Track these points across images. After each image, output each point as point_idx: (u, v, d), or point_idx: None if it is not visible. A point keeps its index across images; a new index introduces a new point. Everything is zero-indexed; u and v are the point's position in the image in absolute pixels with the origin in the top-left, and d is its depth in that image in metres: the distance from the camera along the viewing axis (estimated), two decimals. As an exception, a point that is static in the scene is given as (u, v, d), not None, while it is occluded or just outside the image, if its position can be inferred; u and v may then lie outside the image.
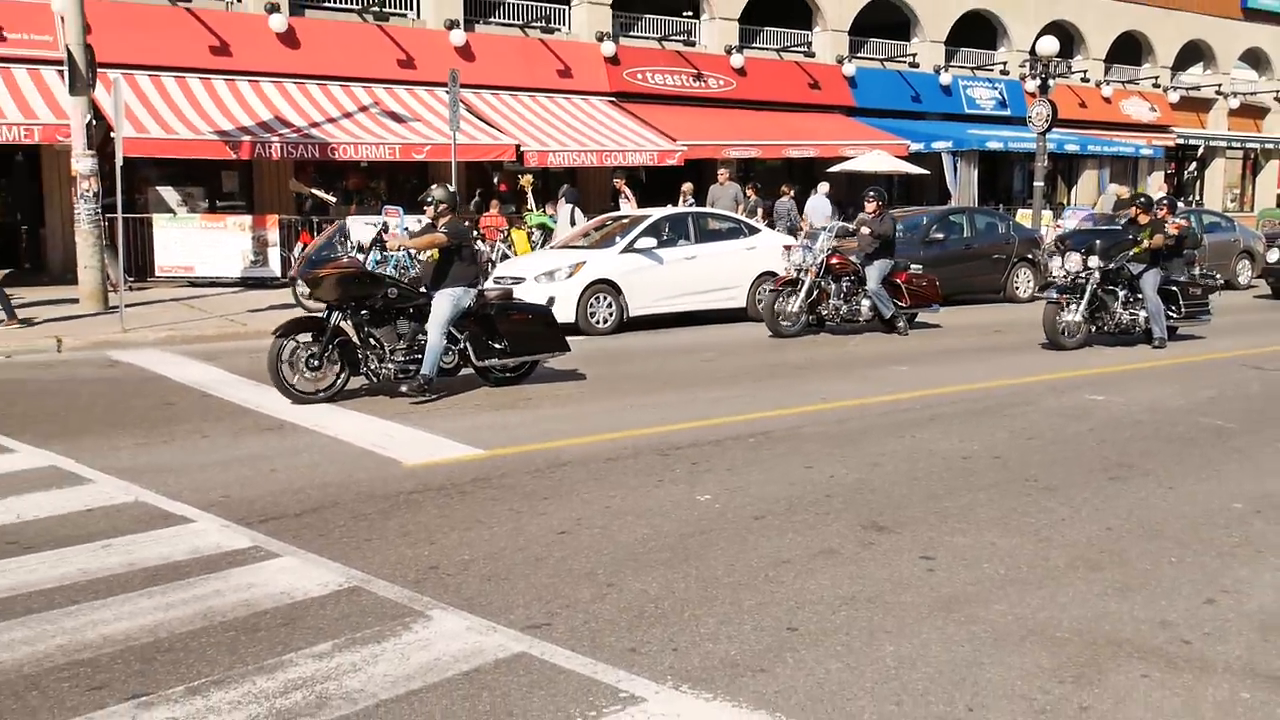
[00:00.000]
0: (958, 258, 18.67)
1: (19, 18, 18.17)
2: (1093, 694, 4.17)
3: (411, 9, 22.42)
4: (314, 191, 19.45)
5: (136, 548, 5.71)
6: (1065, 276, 13.17)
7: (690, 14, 26.26)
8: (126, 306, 14.01)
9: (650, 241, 15.19)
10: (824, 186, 22.60)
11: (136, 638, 4.58)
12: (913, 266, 15.29)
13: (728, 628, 4.72)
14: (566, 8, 24.28)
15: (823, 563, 5.55)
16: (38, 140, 16.91)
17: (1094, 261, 12.98)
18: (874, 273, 14.46)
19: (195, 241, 18.32)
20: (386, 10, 21.87)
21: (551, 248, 16.99)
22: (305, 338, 9.51)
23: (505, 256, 18.26)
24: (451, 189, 10.30)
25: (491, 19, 23.41)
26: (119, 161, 13.75)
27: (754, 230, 16.65)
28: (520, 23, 23.59)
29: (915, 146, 26.43)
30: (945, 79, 29.32)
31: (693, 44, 25.85)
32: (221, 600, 5.00)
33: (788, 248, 15.04)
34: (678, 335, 14.61)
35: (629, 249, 15.02)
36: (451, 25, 22.08)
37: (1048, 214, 24.25)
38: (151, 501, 6.55)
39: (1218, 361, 12.55)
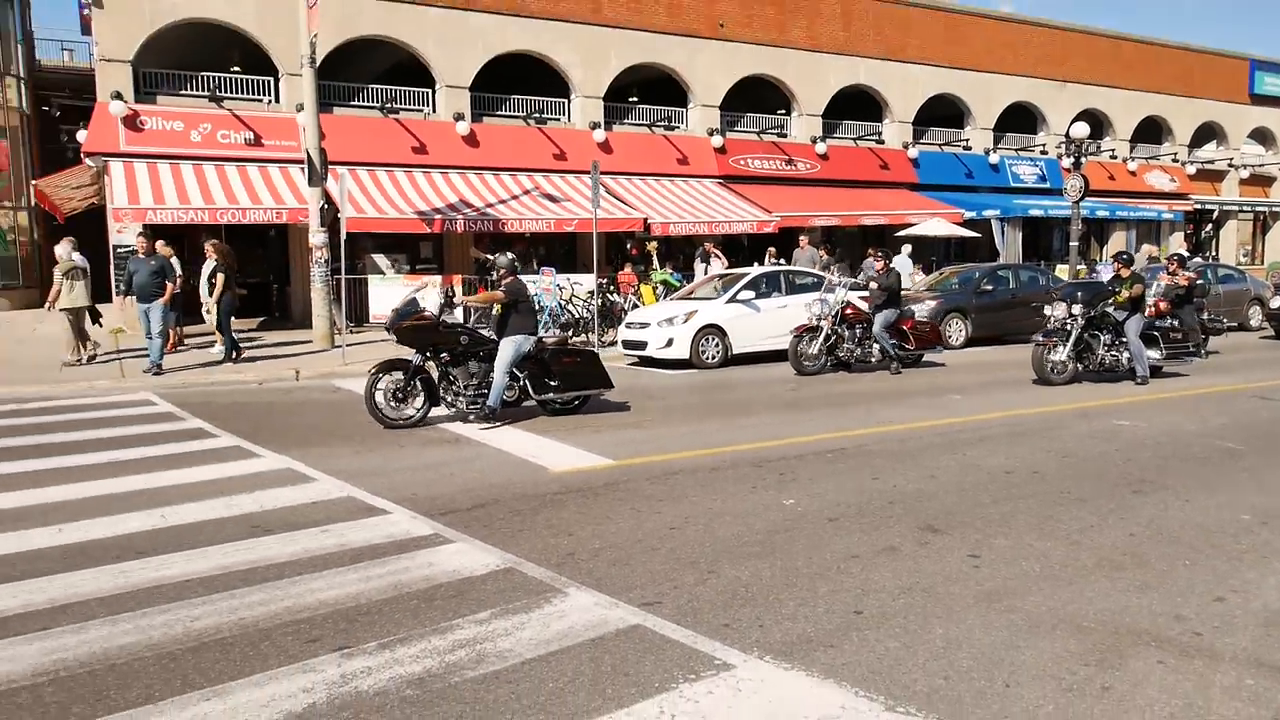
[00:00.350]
0: (1005, 305, 18.10)
1: (274, 129, 19.15)
2: (1114, 676, 3.93)
3: (564, 114, 22.85)
4: (488, 256, 19.87)
5: (347, 533, 5.88)
6: (1052, 321, 12.35)
7: (783, 111, 26.13)
8: (346, 345, 14.55)
9: (750, 293, 15.09)
10: (907, 248, 22.17)
11: (343, 603, 4.71)
12: (918, 313, 14.96)
13: (805, 609, 4.61)
14: (685, 109, 24.41)
15: (885, 558, 5.38)
16: (285, 220, 17.71)
17: (1077, 309, 12.16)
18: (879, 320, 13.74)
19: (399, 296, 18.79)
20: (545, 116, 22.35)
21: (671, 299, 17.02)
22: (396, 375, 9.47)
23: (635, 306, 18.36)
24: (511, 257, 10.02)
25: (626, 119, 23.68)
26: (343, 236, 14.32)
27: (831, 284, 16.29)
28: (648, 122, 23.80)
29: (969, 214, 25.65)
30: (994, 159, 28.44)
31: (785, 135, 25.67)
32: (408, 575, 5.11)
33: (809, 304, 14.14)
34: (770, 369, 14.45)
35: (733, 300, 14.95)
36: (595, 126, 22.41)
37: (1082, 268, 23.22)
38: (359, 497, 6.76)
39: (1229, 393, 11.79)
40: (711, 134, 23.91)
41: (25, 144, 26.12)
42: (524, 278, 18.15)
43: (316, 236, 15.53)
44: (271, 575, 5.10)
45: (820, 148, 25.48)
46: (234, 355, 14.08)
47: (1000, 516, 6.21)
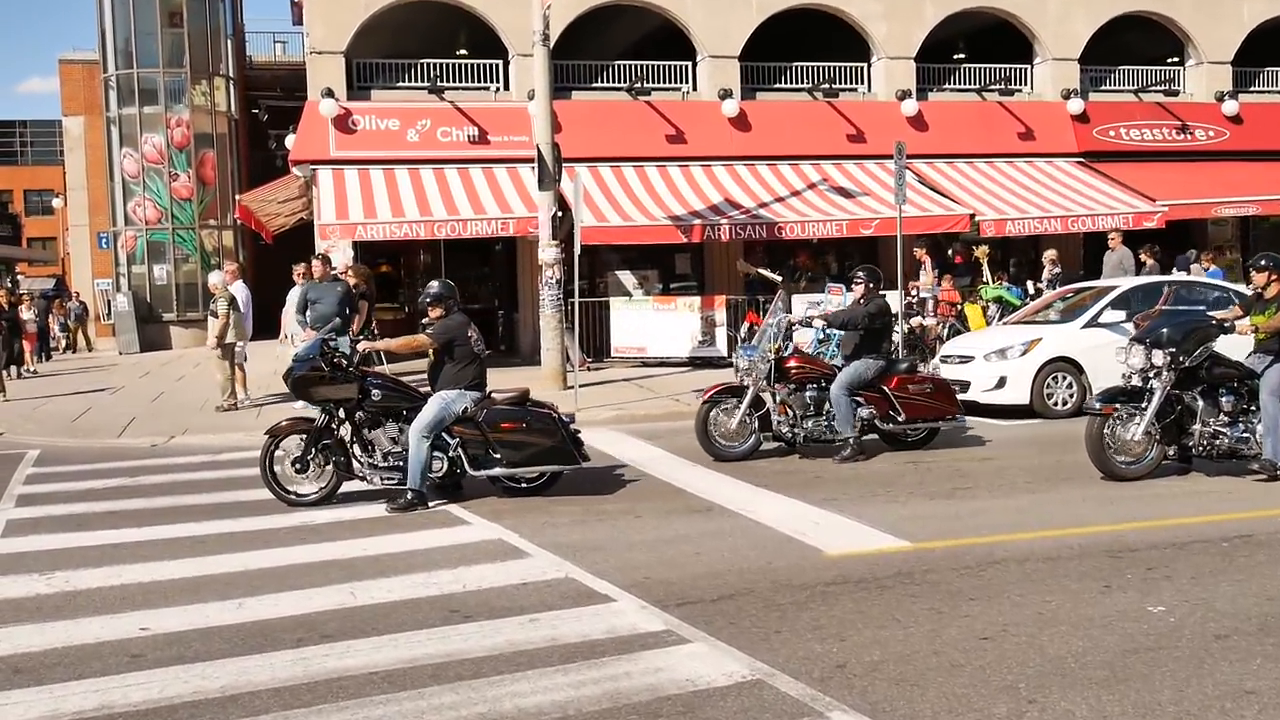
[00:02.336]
0: None
1: (501, 122, 20.62)
2: None
3: (861, 83, 22.82)
4: (761, 271, 20.18)
5: (559, 624, 6.14)
6: (1128, 377, 10.00)
7: (1173, 60, 24.57)
8: (581, 386, 15.25)
9: (1118, 314, 14.26)
10: None
11: (547, 713, 4.92)
12: (920, 368, 12.78)
13: (1167, 765, 4.27)
14: (1028, 66, 23.61)
15: (1299, 697, 4.87)
16: (512, 233, 18.95)
17: (1159, 357, 9.66)
18: (845, 375, 11.22)
19: (648, 323, 19.59)
20: (836, 86, 22.42)
21: (1005, 323, 16.42)
22: (297, 439, 9.45)
23: (957, 332, 17.87)
24: (450, 284, 9.85)
25: (945, 85, 23.27)
26: (576, 249, 15.09)
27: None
28: (976, 86, 23.24)
29: None
30: None
31: (1175, 93, 24.11)
32: (629, 683, 5.25)
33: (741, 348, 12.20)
34: (1151, 419, 13.52)
35: (1093, 323, 14.21)
36: (903, 96, 22.18)
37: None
38: (579, 578, 7.04)
39: None
40: (1067, 97, 22.97)
41: (233, 153, 29.73)
42: (811, 298, 18.47)
43: (547, 251, 16.46)
44: (466, 673, 5.42)
45: (1229, 107, 23.74)
46: None
47: None
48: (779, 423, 11.44)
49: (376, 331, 16.18)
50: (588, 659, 5.58)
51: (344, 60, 20.42)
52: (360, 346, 9.88)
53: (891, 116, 22.07)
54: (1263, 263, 10.17)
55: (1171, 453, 9.83)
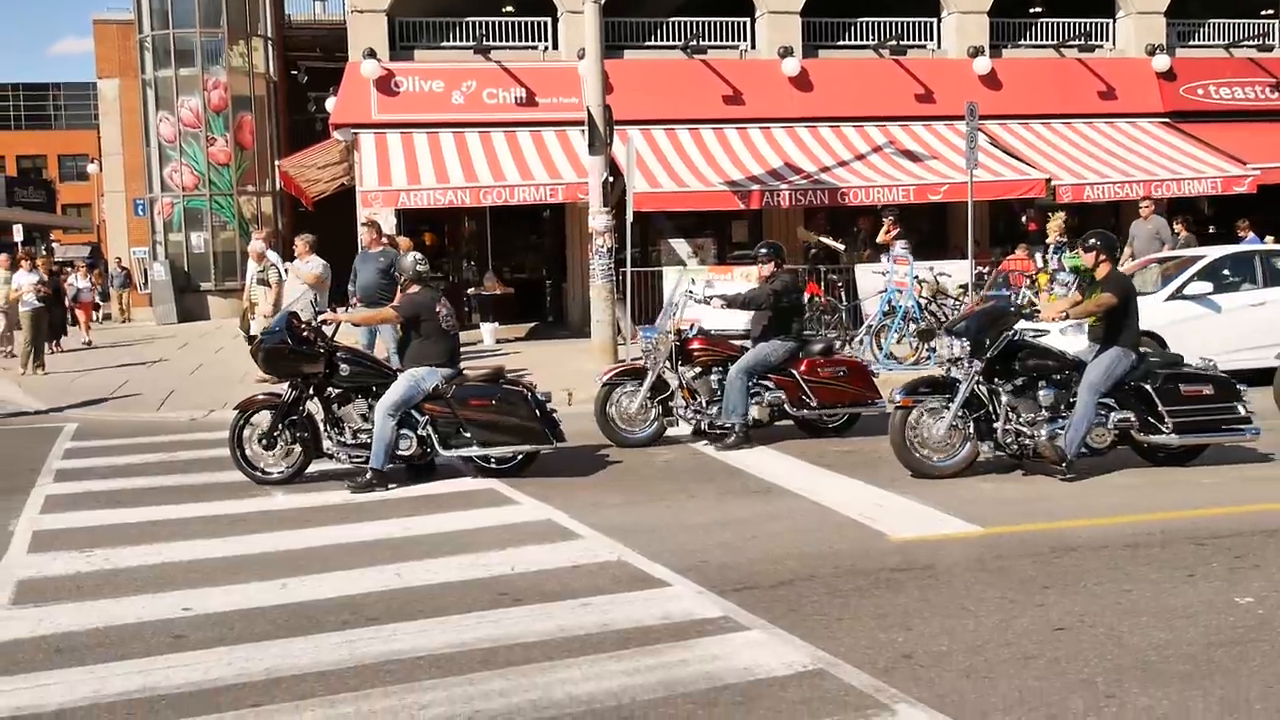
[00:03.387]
0: None
1: (550, 83, 20.62)
2: None
3: (931, 39, 22.54)
4: (822, 239, 20.07)
5: (612, 609, 6.19)
6: (946, 369, 9.52)
7: (1269, 10, 24.03)
8: (632, 360, 15.26)
9: (1204, 285, 14.06)
10: None
11: (600, 701, 4.97)
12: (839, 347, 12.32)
13: (1254, 765, 4.24)
14: (1110, 21, 23.20)
15: (1398, 696, 4.81)
16: (561, 199, 18.98)
17: (957, 347, 9.24)
18: (747, 358, 10.93)
19: (720, 293, 19.47)
20: (903, 43, 22.18)
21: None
22: (264, 415, 9.60)
23: (1031, 304, 17.64)
24: (424, 261, 9.97)
25: (1021, 41, 22.92)
26: (628, 216, 15.10)
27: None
28: (1054, 42, 22.88)
29: None
30: None
31: (1270, 49, 23.59)
32: (685, 670, 5.29)
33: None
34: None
35: (1177, 294, 14.03)
36: (975, 53, 21.88)
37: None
38: (632, 562, 7.09)
39: None
40: (1152, 53, 22.54)
41: (272, 116, 29.97)
42: (872, 267, 18.34)
43: (598, 219, 16.47)
44: (516, 658, 5.49)
45: (1329, 63, 23.17)
46: None
47: None
48: (683, 407, 11.23)
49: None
50: (642, 645, 5.63)
51: (386, 19, 20.49)
52: (323, 318, 9.99)
53: (962, 75, 21.79)
54: (1091, 241, 9.59)
55: (986, 449, 9.30)
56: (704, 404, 11.15)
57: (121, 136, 35.27)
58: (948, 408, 9.22)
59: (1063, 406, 9.23)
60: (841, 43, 22.24)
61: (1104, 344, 9.28)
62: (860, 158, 20.31)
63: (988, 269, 18.61)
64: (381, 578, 6.86)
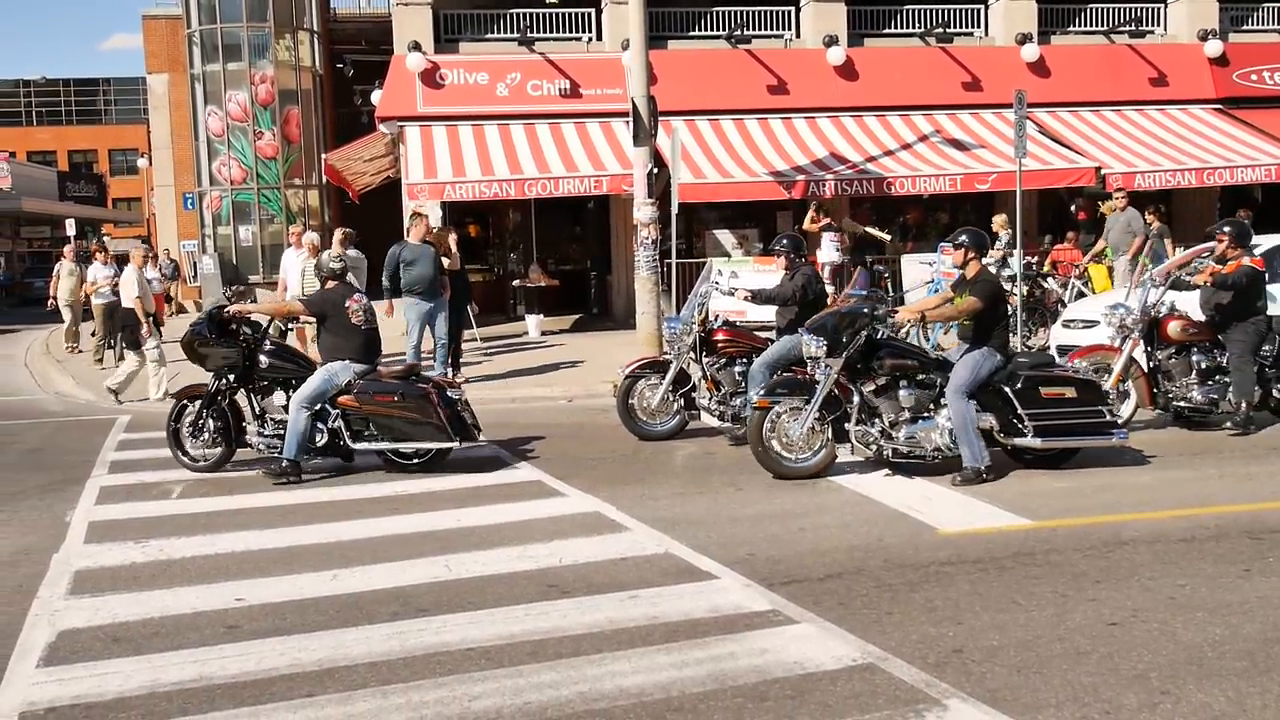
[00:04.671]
0: None
1: (594, 74, 20.63)
2: None
3: (978, 26, 22.34)
4: (867, 230, 19.95)
5: (660, 601, 6.21)
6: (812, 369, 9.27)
7: (1325, -4, 23.64)
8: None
9: (1264, 275, 13.81)
10: None
11: (650, 693, 4.99)
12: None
13: (1314, 763, 4.18)
14: (1162, 6, 22.87)
15: None
16: (605, 191, 18.98)
17: (814, 347, 8.98)
18: (771, 351, 10.72)
19: (747, 285, 19.43)
20: (950, 31, 21.98)
21: (1134, 285, 16.00)
22: (194, 404, 9.94)
23: (1080, 295, 17.49)
24: (342, 260, 10.33)
25: (1070, 28, 22.65)
26: (674, 208, 15.07)
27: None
28: (1104, 28, 22.59)
29: None
30: None
31: (1325, 32, 23.22)
32: (734, 664, 5.29)
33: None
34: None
35: (1230, 285, 13.77)
36: (1023, 40, 21.65)
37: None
38: (680, 554, 7.10)
39: None
40: (1204, 38, 22.20)
41: (318, 110, 30.18)
42: (918, 257, 18.21)
43: (643, 210, 16.45)
44: (565, 650, 5.52)
45: (1389, 45, 22.76)
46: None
47: None
48: (706, 399, 11.11)
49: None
50: (690, 638, 5.64)
51: (431, 11, 20.58)
52: (230, 309, 10.16)
53: (1010, 62, 21.56)
54: (961, 239, 9.32)
55: (844, 450, 9.16)
56: (727, 395, 11.00)
57: (171, 131, 35.64)
58: (802, 410, 9.09)
59: (933, 406, 9.10)
60: (887, 31, 22.08)
61: (972, 344, 9.11)
62: (906, 147, 20.16)
63: (1035, 259, 18.45)
64: (431, 569, 6.92)
